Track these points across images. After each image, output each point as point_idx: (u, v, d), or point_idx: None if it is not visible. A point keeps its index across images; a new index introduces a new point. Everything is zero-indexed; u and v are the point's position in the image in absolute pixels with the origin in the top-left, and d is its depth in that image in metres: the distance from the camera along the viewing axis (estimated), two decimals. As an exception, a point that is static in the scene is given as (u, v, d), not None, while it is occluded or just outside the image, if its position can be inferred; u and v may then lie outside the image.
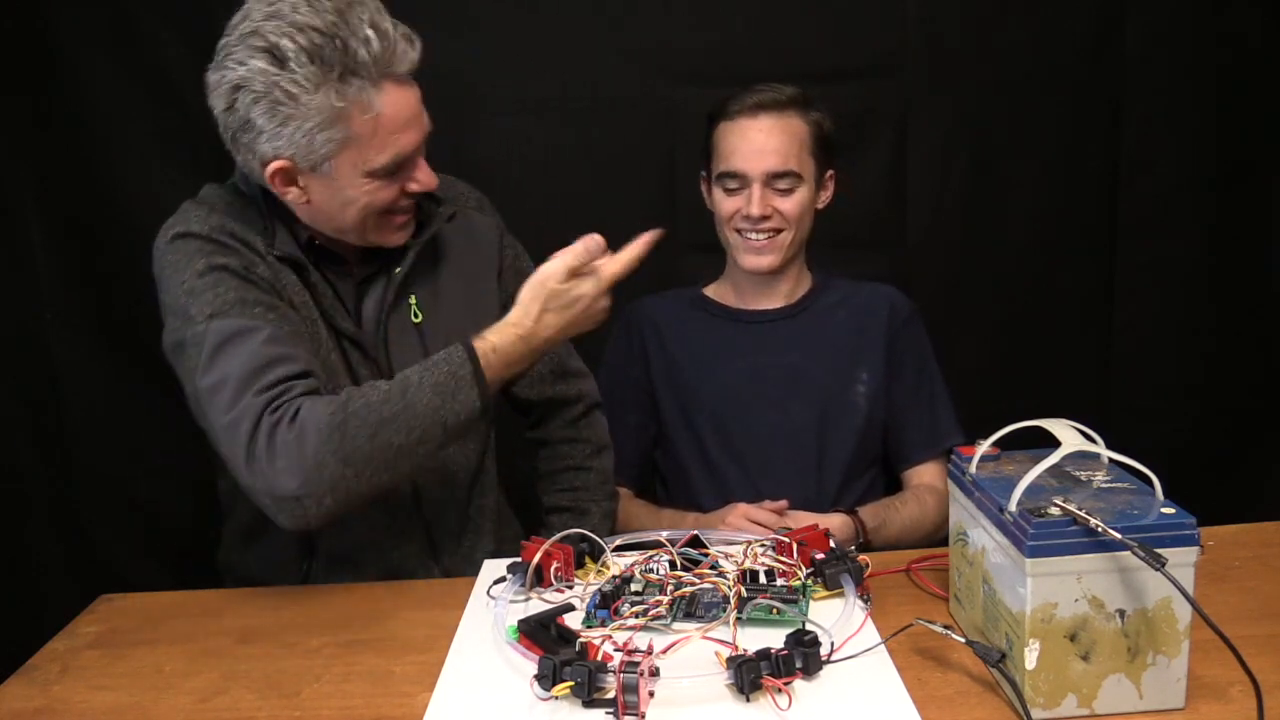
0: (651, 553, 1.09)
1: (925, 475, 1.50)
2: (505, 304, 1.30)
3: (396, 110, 1.06)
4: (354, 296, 1.22)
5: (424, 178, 1.14)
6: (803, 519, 1.34)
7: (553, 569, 1.05)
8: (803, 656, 0.84)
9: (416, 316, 1.23)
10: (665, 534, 1.11)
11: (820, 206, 1.50)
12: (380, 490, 1.07)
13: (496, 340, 1.08)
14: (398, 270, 1.21)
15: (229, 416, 1.02)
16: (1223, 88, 1.97)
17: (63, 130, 1.89)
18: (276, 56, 1.00)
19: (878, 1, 1.92)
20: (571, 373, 1.42)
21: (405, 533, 1.25)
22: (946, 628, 0.86)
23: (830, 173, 1.50)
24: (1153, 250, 2.03)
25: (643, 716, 0.80)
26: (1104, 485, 0.85)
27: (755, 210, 1.42)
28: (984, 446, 0.92)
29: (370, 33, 1.01)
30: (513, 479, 1.48)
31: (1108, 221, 2.03)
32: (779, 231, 1.45)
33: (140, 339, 1.94)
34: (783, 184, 1.42)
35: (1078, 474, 0.88)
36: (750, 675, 0.81)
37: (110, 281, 1.95)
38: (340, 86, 1.01)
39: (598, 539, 1.10)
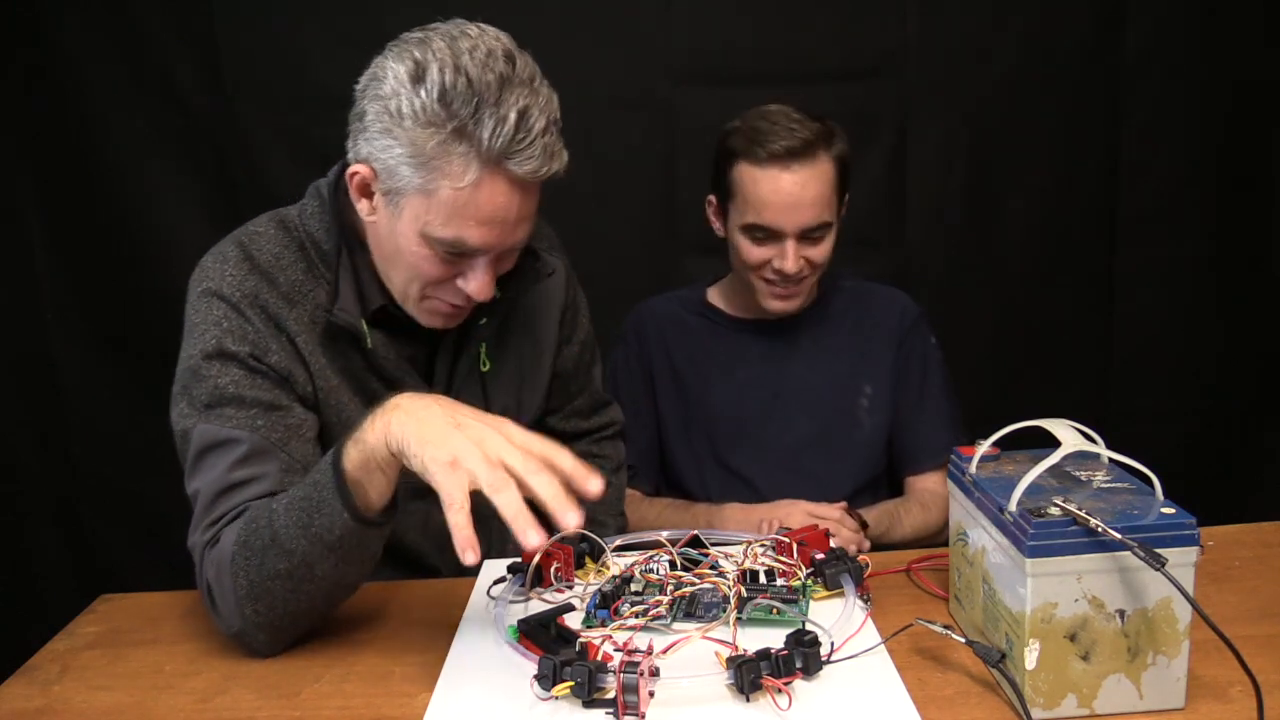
0: (651, 553, 1.09)
1: (928, 481, 1.49)
2: (560, 346, 1.28)
3: (487, 201, 0.96)
4: (426, 350, 1.15)
5: (476, 287, 1.02)
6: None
7: (553, 569, 1.05)
8: (803, 656, 0.84)
9: (485, 365, 1.18)
10: (665, 534, 1.11)
11: None
12: (314, 617, 0.98)
13: (354, 450, 0.91)
14: (484, 321, 1.14)
15: (189, 541, 1.00)
16: (1222, 87, 1.97)
17: (63, 131, 1.89)
18: (419, 74, 0.94)
19: (878, 1, 1.92)
20: (604, 404, 1.42)
21: (439, 575, 1.24)
22: (946, 628, 0.86)
23: (846, 196, 1.45)
24: (1153, 250, 2.04)
25: (643, 716, 0.80)
26: (1104, 485, 0.85)
27: (791, 268, 1.37)
28: (984, 446, 0.92)
29: (513, 117, 0.93)
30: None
31: (1108, 221, 2.04)
32: (807, 277, 1.42)
33: (140, 339, 1.96)
34: (816, 234, 1.38)
35: (1078, 474, 0.88)
36: (750, 675, 0.81)
37: (110, 282, 1.95)
38: (447, 139, 0.93)
39: (598, 539, 1.10)
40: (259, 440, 1.00)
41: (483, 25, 0.99)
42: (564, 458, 0.84)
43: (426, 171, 0.95)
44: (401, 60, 0.95)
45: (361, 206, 1.03)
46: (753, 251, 1.40)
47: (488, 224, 0.98)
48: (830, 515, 1.31)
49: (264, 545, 0.93)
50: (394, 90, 0.95)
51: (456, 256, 1.01)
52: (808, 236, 1.37)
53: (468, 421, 0.85)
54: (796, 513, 1.30)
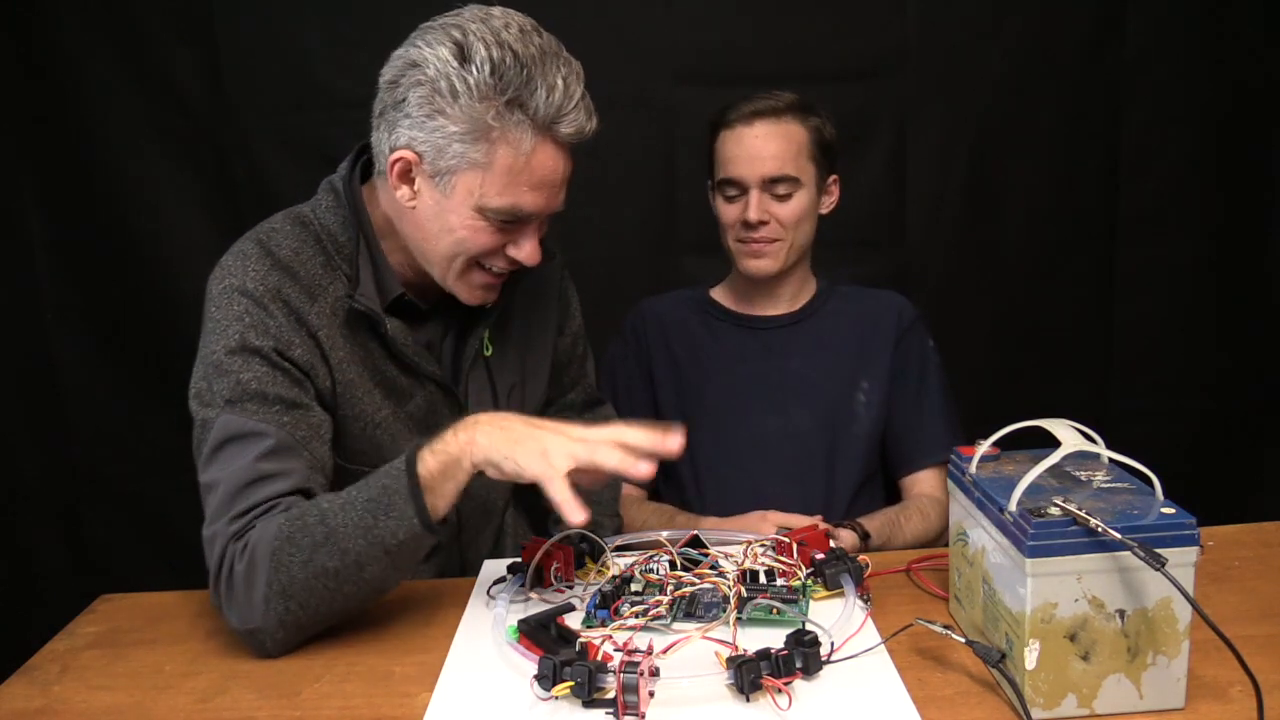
0: (651, 553, 1.09)
1: (924, 484, 1.49)
2: (556, 334, 1.31)
3: (540, 165, 1.02)
4: (440, 336, 1.18)
5: (528, 252, 1.08)
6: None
7: (553, 569, 1.05)
8: (803, 656, 0.84)
9: (487, 350, 1.21)
10: (665, 534, 1.11)
11: (824, 212, 1.49)
12: (334, 620, 1.00)
13: (431, 459, 0.96)
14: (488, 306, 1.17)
15: (208, 531, 1.00)
16: (1223, 87, 1.97)
17: (63, 131, 1.89)
18: (463, 53, 0.98)
19: (878, 1, 1.92)
20: (598, 401, 1.44)
21: (443, 563, 1.25)
22: (946, 628, 0.86)
23: (833, 177, 1.49)
24: (1153, 250, 2.03)
25: (643, 716, 0.80)
26: (1104, 485, 0.85)
27: (753, 215, 1.41)
28: (984, 446, 0.92)
29: (559, 83, 0.99)
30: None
31: (1108, 221, 2.04)
32: (778, 238, 1.44)
33: (140, 338, 1.96)
34: (780, 189, 1.42)
35: (1078, 474, 0.88)
36: (750, 675, 0.81)
37: (110, 282, 1.95)
38: (502, 110, 0.98)
39: (598, 539, 1.10)
40: (285, 436, 1.01)
41: (502, 7, 1.02)
42: (631, 434, 0.95)
43: (484, 144, 0.99)
44: (440, 44, 0.98)
45: (401, 193, 1.05)
46: (725, 210, 1.46)
47: (539, 188, 1.03)
48: (799, 526, 1.29)
49: (315, 543, 0.94)
50: (441, 72, 0.97)
51: (509, 225, 1.05)
52: (772, 191, 1.42)
53: (544, 424, 0.97)
54: (766, 526, 1.29)
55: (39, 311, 1.95)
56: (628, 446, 0.93)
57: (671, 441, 0.94)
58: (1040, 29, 1.94)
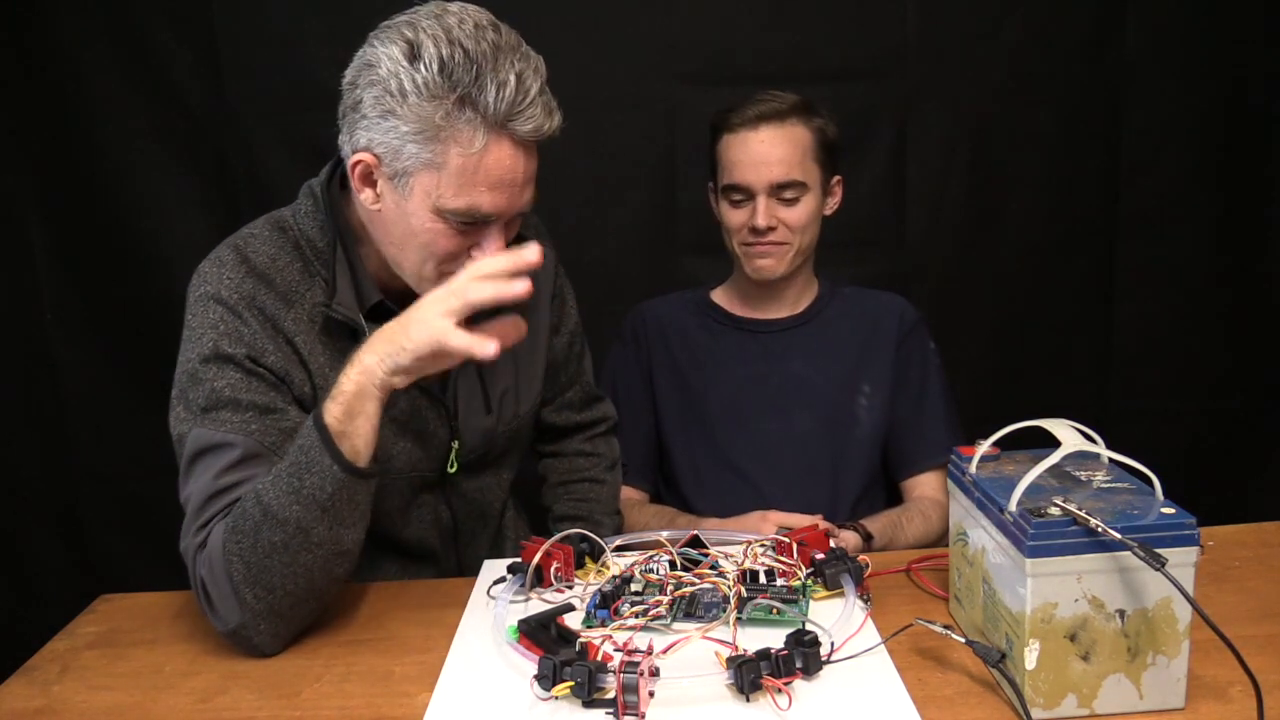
0: (651, 553, 1.09)
1: (925, 486, 1.49)
2: (551, 332, 1.30)
3: (495, 164, 0.99)
4: None
5: (495, 253, 1.04)
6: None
7: (553, 569, 1.05)
8: (803, 656, 0.84)
9: None
10: (665, 534, 1.11)
11: (828, 213, 1.49)
12: (313, 599, 0.99)
13: (333, 405, 0.96)
14: None
15: (181, 545, 1.01)
16: (1223, 87, 1.97)
17: (63, 131, 1.89)
18: (413, 51, 0.96)
19: (878, 1, 1.92)
20: (597, 398, 1.43)
21: (440, 566, 1.25)
22: (946, 628, 0.86)
23: (837, 178, 1.49)
24: (1153, 250, 2.04)
25: (643, 716, 0.80)
26: (1104, 485, 0.85)
27: (761, 222, 1.41)
28: (984, 446, 0.92)
29: (512, 80, 0.96)
30: (518, 483, 1.48)
31: (1108, 221, 2.04)
32: (785, 242, 1.44)
33: (140, 339, 1.96)
34: (788, 194, 1.41)
35: (1078, 474, 0.88)
36: (750, 675, 0.81)
37: (110, 283, 1.95)
38: (452, 109, 0.96)
39: (598, 539, 1.10)
40: (253, 444, 1.01)
41: (461, 3, 1.01)
42: (489, 263, 0.96)
43: (435, 144, 0.97)
44: (393, 43, 0.97)
45: (365, 196, 1.04)
46: (731, 215, 1.45)
47: (497, 188, 1.00)
48: (800, 526, 1.29)
49: (255, 524, 0.94)
50: (391, 71, 0.96)
51: (470, 226, 1.02)
52: (780, 196, 1.41)
53: (413, 307, 0.97)
54: (766, 526, 1.29)
55: (39, 311, 1.95)
56: (492, 276, 0.94)
57: (528, 252, 0.95)
58: (1040, 29, 1.94)
